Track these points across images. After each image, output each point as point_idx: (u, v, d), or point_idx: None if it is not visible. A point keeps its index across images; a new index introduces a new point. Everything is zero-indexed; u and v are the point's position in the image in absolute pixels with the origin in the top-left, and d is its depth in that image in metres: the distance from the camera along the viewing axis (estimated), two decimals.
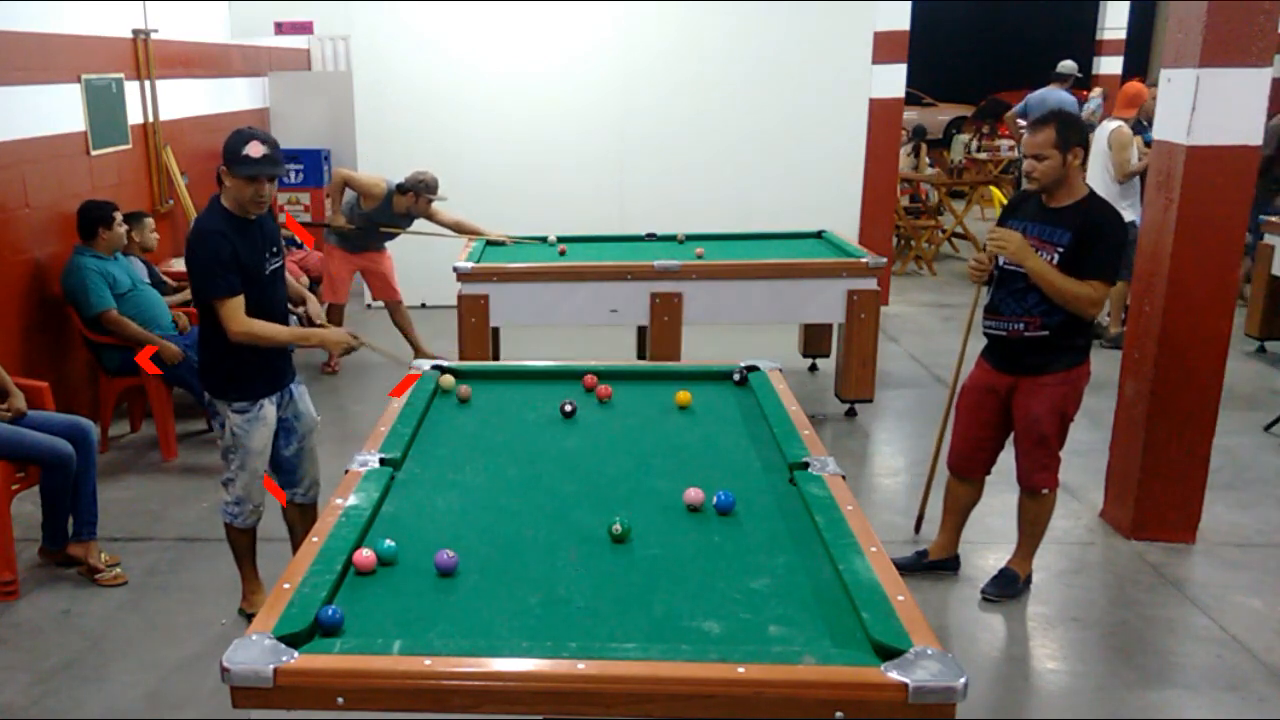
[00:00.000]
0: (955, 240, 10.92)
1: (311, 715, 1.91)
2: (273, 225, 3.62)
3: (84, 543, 4.13)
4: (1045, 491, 3.84)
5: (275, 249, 3.58)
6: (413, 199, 6.23)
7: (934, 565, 4.11)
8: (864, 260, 5.59)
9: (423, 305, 7.70)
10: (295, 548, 3.59)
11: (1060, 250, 3.57)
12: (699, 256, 5.73)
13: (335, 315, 6.85)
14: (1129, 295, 4.79)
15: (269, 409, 3.57)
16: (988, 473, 4.04)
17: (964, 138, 13.31)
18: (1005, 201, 10.17)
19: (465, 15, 8.00)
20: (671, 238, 6.42)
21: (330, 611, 2.05)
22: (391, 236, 6.61)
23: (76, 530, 4.15)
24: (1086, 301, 3.53)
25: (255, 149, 3.33)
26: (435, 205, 6.32)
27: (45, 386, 4.50)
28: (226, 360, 3.45)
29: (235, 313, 3.38)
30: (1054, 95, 9.99)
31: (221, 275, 3.35)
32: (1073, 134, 3.54)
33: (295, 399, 3.71)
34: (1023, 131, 8.92)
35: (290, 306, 3.85)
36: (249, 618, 3.61)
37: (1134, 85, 7.38)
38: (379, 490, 2.69)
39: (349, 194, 6.47)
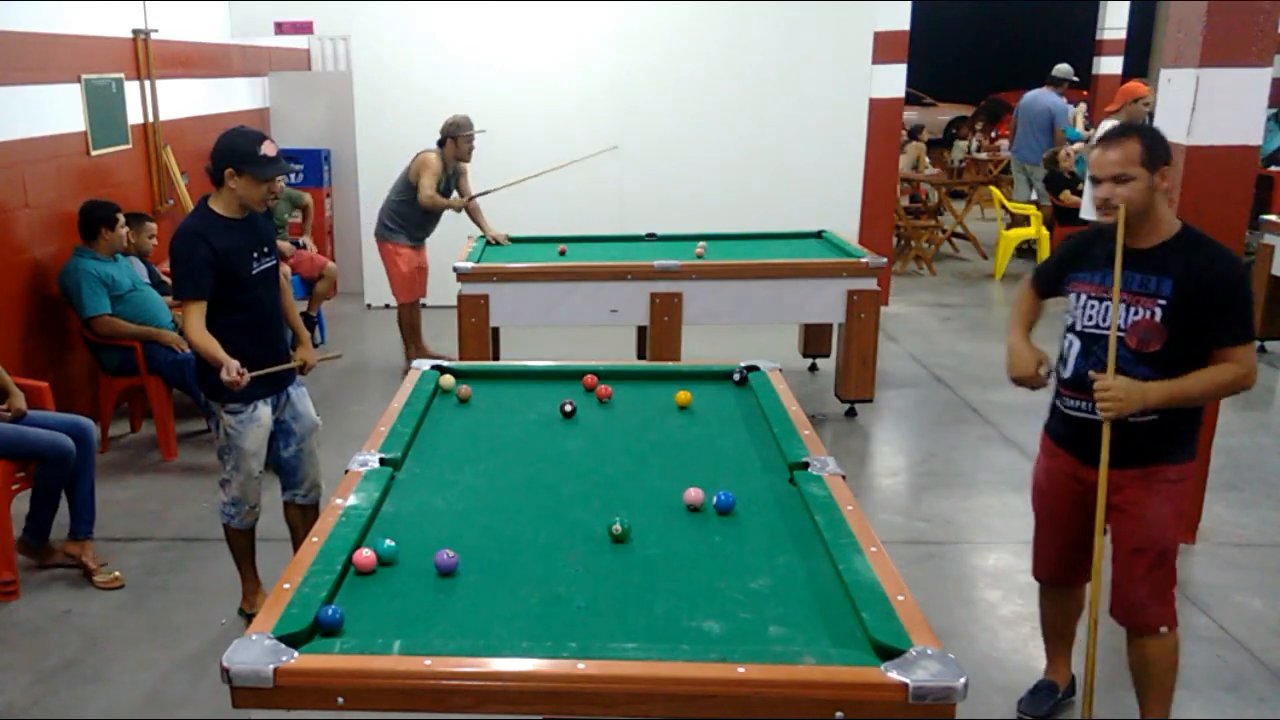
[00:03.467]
0: (955, 240, 10.93)
1: (311, 715, 1.91)
2: (266, 224, 3.62)
3: (80, 541, 4.13)
4: (1164, 630, 2.91)
5: (267, 249, 3.57)
6: (453, 145, 6.31)
7: (1065, 697, 3.32)
8: (864, 260, 5.59)
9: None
10: (296, 548, 3.60)
11: (1162, 303, 2.73)
12: (698, 256, 5.72)
13: (408, 314, 6.70)
14: None
15: (263, 410, 3.57)
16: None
17: (962, 143, 13.31)
18: (1004, 203, 10.19)
19: (465, 15, 8.00)
20: (672, 238, 6.41)
21: (330, 611, 2.05)
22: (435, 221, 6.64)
23: (74, 529, 4.15)
24: (1238, 383, 2.72)
25: (269, 148, 3.37)
26: (468, 182, 6.49)
27: (45, 386, 4.50)
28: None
29: (192, 316, 3.39)
30: (1045, 98, 10.01)
31: (190, 277, 3.37)
32: (1161, 150, 2.77)
33: (294, 401, 3.70)
34: (1080, 150, 8.87)
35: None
36: (249, 618, 3.61)
37: (1129, 84, 7.38)
38: (379, 490, 2.69)
39: (403, 187, 6.46)
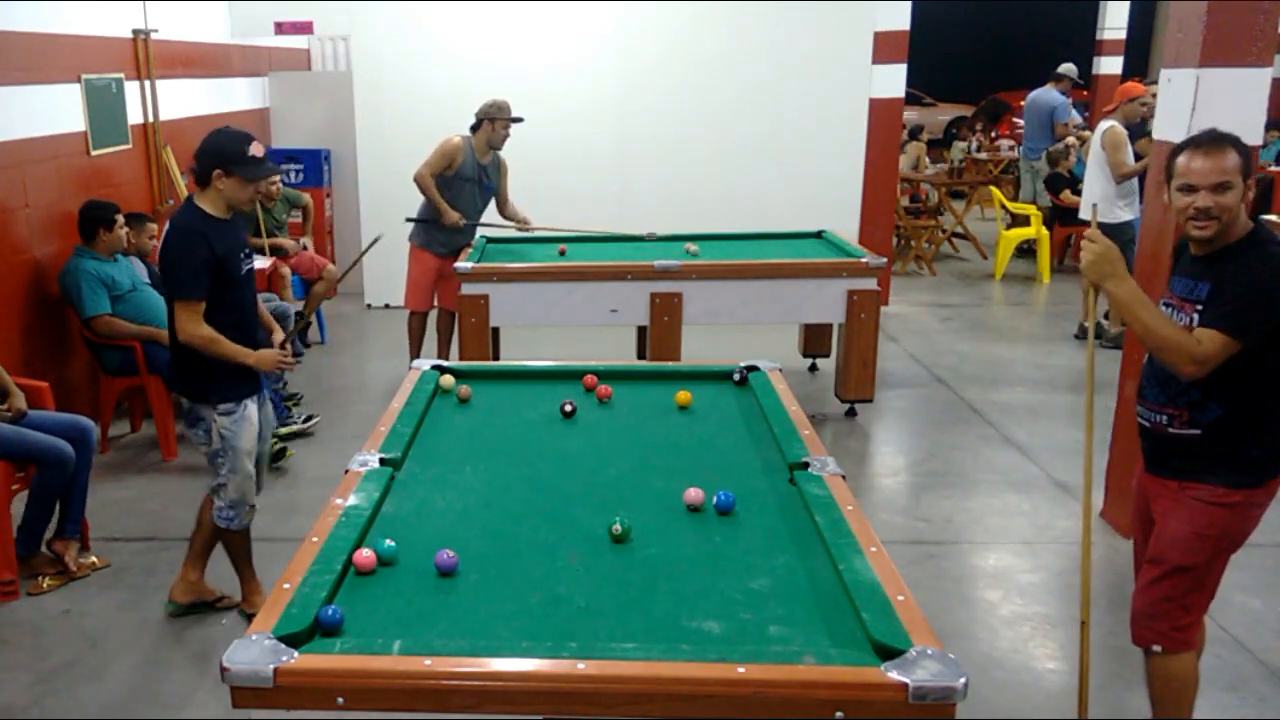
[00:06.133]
0: (955, 240, 10.94)
1: (311, 715, 1.91)
2: (244, 224, 3.66)
3: (65, 540, 4.14)
4: (1158, 650, 2.82)
5: (246, 251, 3.63)
6: (489, 129, 6.02)
7: None
8: (864, 260, 5.59)
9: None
10: (203, 544, 3.78)
11: (1198, 309, 2.67)
12: (692, 254, 5.70)
13: (415, 324, 6.35)
14: None
15: (252, 408, 3.60)
16: None
17: (961, 144, 13.31)
18: (1004, 203, 10.24)
19: (465, 15, 8.00)
20: (672, 238, 6.40)
21: (330, 611, 2.05)
22: (472, 231, 6.29)
23: (61, 526, 4.15)
24: (1179, 354, 2.58)
25: (257, 148, 3.37)
26: (506, 187, 6.25)
27: (45, 386, 4.50)
28: (208, 363, 3.45)
29: (194, 316, 3.39)
30: (1048, 95, 10.09)
31: (193, 276, 3.37)
32: (1250, 160, 2.72)
33: (266, 399, 3.76)
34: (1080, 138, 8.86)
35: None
36: (249, 618, 3.61)
37: (1126, 85, 7.40)
38: (379, 490, 2.69)
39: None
